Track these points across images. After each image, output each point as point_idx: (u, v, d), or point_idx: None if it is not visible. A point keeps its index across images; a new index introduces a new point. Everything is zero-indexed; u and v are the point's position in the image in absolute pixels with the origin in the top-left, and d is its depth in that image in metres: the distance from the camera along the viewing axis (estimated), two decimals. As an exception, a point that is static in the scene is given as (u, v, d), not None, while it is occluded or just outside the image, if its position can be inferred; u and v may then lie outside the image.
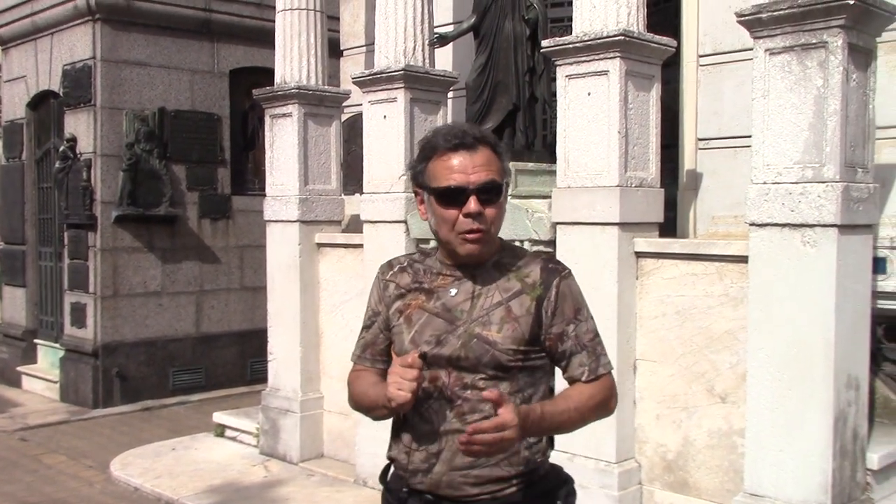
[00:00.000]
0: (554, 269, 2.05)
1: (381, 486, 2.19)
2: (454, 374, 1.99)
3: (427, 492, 2.02)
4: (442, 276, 2.07)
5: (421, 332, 2.03)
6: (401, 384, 1.88)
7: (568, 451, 4.37)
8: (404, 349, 2.03)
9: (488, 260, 2.05)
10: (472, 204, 1.93)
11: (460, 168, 1.95)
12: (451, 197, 1.95)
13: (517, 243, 4.71)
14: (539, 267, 2.04)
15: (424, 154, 2.02)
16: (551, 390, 2.15)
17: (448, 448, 1.98)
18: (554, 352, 2.04)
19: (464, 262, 2.04)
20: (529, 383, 2.03)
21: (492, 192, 1.96)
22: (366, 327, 2.20)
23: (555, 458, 4.67)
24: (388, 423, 2.14)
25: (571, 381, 2.05)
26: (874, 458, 3.82)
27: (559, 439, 4.52)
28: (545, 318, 2.01)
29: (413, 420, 2.03)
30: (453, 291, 2.04)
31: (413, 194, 2.11)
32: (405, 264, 2.17)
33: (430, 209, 2.01)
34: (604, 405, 2.05)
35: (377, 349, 2.16)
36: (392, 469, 2.14)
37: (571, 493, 2.11)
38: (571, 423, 2.00)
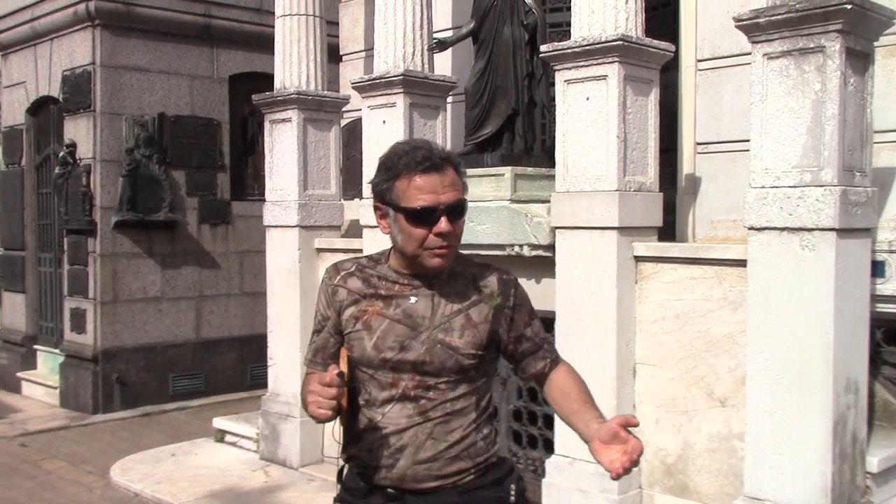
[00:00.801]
0: (508, 280, 2.20)
1: None
2: (417, 377, 2.08)
3: (391, 486, 2.11)
4: (399, 285, 2.13)
5: (384, 338, 2.10)
6: (320, 403, 1.95)
7: (568, 456, 4.37)
8: (367, 354, 2.11)
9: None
10: (444, 224, 2.02)
11: (430, 189, 2.02)
12: (422, 217, 2.02)
13: (517, 248, 4.74)
14: (495, 278, 2.18)
15: (391, 173, 2.06)
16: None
17: (411, 444, 2.08)
18: (514, 353, 2.22)
19: (423, 272, 2.11)
20: (483, 379, 2.18)
21: (459, 211, 2.06)
22: (316, 331, 2.25)
23: (554, 462, 4.67)
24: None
25: (536, 374, 2.25)
26: (874, 462, 3.82)
27: (558, 444, 4.52)
28: (504, 325, 2.16)
29: (375, 420, 2.11)
30: (413, 299, 2.11)
31: (373, 208, 2.16)
32: (352, 269, 2.21)
33: (395, 225, 2.08)
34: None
35: (328, 353, 2.22)
36: (347, 469, 2.23)
37: (520, 479, 2.24)
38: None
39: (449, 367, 2.08)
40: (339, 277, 2.21)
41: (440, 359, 2.07)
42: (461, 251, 2.16)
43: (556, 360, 2.27)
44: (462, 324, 2.10)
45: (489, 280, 2.17)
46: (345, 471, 2.25)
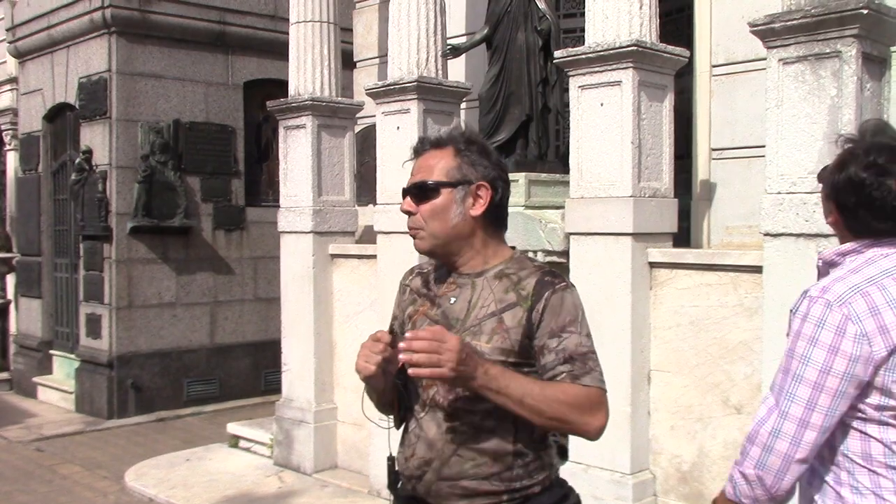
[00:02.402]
0: (549, 282, 2.00)
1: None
2: (445, 383, 1.99)
3: (420, 498, 2.05)
4: (447, 284, 2.10)
5: None
6: (368, 356, 1.95)
7: (582, 462, 4.36)
8: None
9: (489, 269, 2.06)
10: (404, 203, 2.07)
11: (412, 173, 2.10)
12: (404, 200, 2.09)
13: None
14: (535, 279, 2.01)
15: None
16: None
17: (438, 457, 2.00)
18: (540, 367, 1.97)
19: (454, 268, 2.09)
20: None
21: (422, 192, 2.04)
22: (390, 327, 2.24)
23: (569, 468, 4.64)
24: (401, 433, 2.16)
25: None
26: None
27: (573, 450, 4.50)
28: (533, 331, 1.97)
29: (412, 426, 2.08)
30: (453, 300, 2.07)
31: None
32: (425, 270, 2.21)
33: None
34: (579, 409, 1.91)
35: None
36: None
37: None
38: (535, 401, 1.88)
39: None
40: (409, 277, 2.23)
41: None
42: (527, 256, 2.12)
43: (578, 379, 1.93)
44: (493, 328, 1.98)
45: (529, 281, 2.01)
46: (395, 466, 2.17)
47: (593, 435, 1.98)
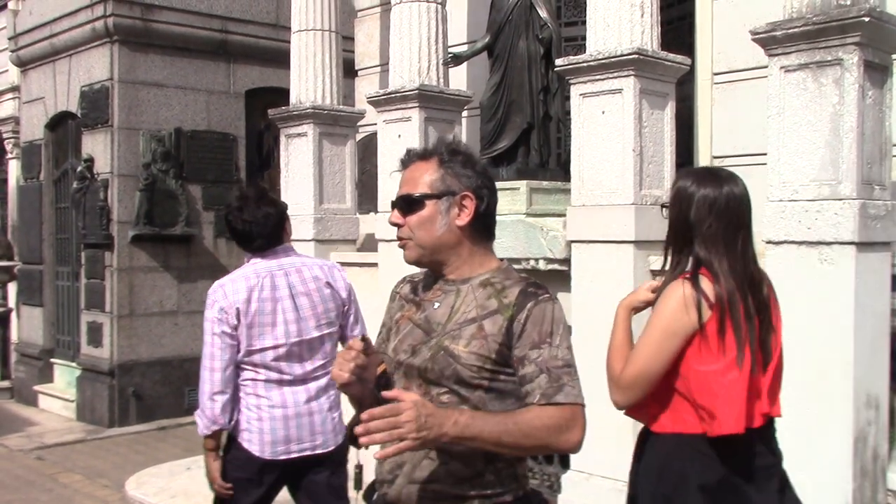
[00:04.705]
0: (532, 293, 2.00)
1: None
2: (423, 386, 2.02)
3: (392, 502, 2.06)
4: (432, 290, 2.13)
5: (402, 342, 2.10)
6: (340, 364, 2.00)
7: (584, 471, 4.34)
8: (388, 357, 2.12)
9: (475, 277, 2.08)
10: (392, 215, 2.11)
11: (399, 184, 2.14)
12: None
13: (532, 262, 4.72)
14: (518, 289, 2.02)
15: None
16: None
17: (410, 461, 2.01)
18: (517, 376, 1.97)
19: (442, 276, 2.11)
20: (499, 409, 1.97)
21: (408, 204, 2.07)
22: (378, 335, 2.28)
23: (570, 477, 4.61)
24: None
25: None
26: (894, 479, 3.77)
27: (575, 459, 4.49)
28: (513, 341, 1.97)
29: None
30: (437, 305, 2.09)
31: None
32: (416, 279, 2.24)
33: None
34: (556, 431, 1.91)
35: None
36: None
37: None
38: (511, 437, 1.88)
39: (447, 375, 1.97)
40: (400, 285, 2.27)
41: (440, 366, 1.99)
42: (511, 268, 2.13)
43: (551, 398, 1.91)
44: (472, 333, 1.99)
45: (512, 290, 2.02)
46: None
47: (573, 450, 1.98)
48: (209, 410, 3.25)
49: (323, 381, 3.33)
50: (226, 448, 3.40)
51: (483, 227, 2.10)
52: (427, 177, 2.07)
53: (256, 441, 3.27)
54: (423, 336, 2.07)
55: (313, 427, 3.31)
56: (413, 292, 2.19)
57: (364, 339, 2.05)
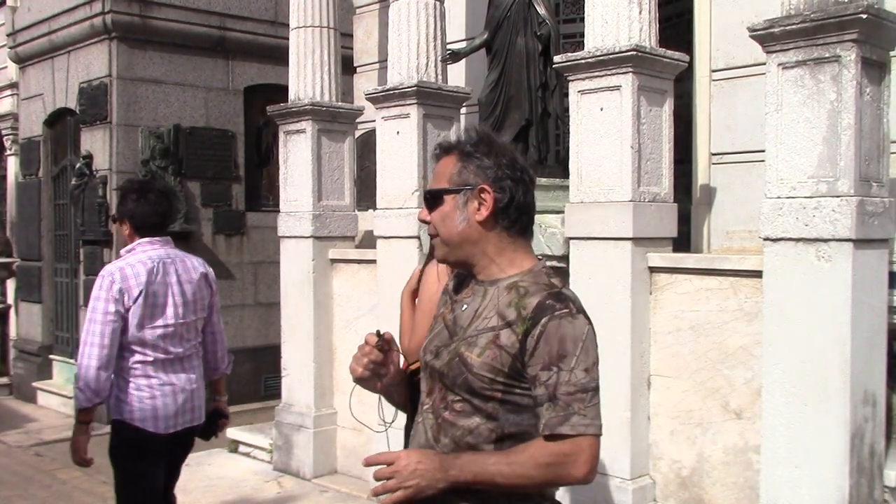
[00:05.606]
0: (549, 306, 1.85)
1: None
2: (442, 391, 1.97)
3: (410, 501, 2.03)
4: (466, 290, 2.05)
5: (431, 342, 2.06)
6: (358, 360, 2.05)
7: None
8: (421, 356, 2.10)
9: (504, 279, 1.96)
10: (421, 211, 2.07)
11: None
12: None
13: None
14: (538, 300, 1.87)
15: None
16: None
17: None
18: (533, 395, 1.86)
19: (474, 275, 2.03)
20: (514, 422, 1.88)
21: (431, 200, 2.02)
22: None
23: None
24: (401, 438, 2.16)
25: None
26: (891, 476, 3.78)
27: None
28: (526, 357, 1.84)
29: (416, 425, 2.07)
30: (465, 306, 2.01)
31: None
32: (462, 274, 2.15)
33: None
34: (556, 467, 1.82)
35: None
36: None
37: None
38: (506, 479, 1.82)
39: (459, 384, 1.90)
40: (449, 279, 2.19)
41: (454, 373, 1.91)
42: (547, 270, 2.00)
43: (554, 428, 1.80)
44: (487, 342, 1.88)
45: (532, 300, 1.87)
46: None
47: (580, 483, 1.86)
48: (94, 383, 3.47)
49: (195, 361, 3.77)
50: (113, 435, 3.70)
51: (510, 223, 1.96)
52: (447, 170, 1.99)
53: (150, 418, 3.58)
54: (447, 338, 2.00)
55: (193, 401, 3.73)
56: (455, 290, 2.10)
57: (380, 333, 2.04)
